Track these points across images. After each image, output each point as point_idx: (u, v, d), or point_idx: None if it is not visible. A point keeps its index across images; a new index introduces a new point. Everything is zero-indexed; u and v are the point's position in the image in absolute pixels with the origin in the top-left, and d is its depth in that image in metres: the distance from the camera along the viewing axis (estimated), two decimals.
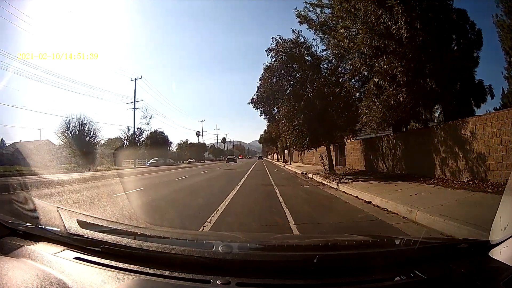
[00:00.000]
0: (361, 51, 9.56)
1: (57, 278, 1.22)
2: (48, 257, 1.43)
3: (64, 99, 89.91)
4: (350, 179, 10.42)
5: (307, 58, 12.30)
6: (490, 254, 1.36)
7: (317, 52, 12.74)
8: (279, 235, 3.24)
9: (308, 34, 14.49)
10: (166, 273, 1.28)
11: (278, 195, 8.05)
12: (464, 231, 3.59)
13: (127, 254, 1.41)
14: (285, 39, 12.28)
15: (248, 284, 1.23)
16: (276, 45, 12.37)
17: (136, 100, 36.95)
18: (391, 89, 8.51)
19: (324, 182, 11.00)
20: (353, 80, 9.76)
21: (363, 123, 9.41)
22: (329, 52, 12.67)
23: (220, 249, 1.40)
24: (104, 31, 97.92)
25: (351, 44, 9.90)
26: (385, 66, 8.73)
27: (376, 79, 9.02)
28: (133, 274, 1.28)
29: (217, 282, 1.20)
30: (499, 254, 1.32)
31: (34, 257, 1.42)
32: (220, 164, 39.80)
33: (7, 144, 37.31)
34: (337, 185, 9.40)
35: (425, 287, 1.22)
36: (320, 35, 12.11)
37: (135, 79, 37.12)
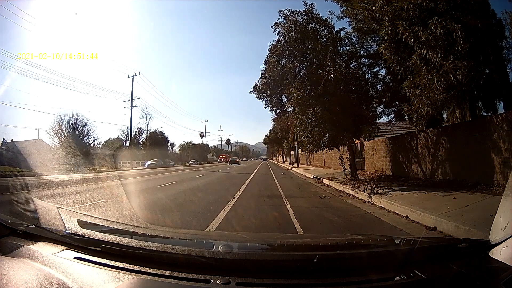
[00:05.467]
0: (400, 15, 7.08)
1: (57, 278, 1.23)
2: (48, 257, 1.43)
3: (64, 99, 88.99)
4: (382, 186, 7.94)
5: (324, 32, 9.78)
6: (490, 254, 1.36)
7: (334, 30, 10.29)
8: (279, 235, 3.26)
9: (321, 10, 12.00)
10: (166, 272, 1.28)
11: (292, 215, 5.48)
12: None
13: (127, 254, 1.40)
14: (296, 11, 9.80)
15: (248, 284, 1.22)
16: (285, 19, 9.89)
17: (134, 97, 34.95)
18: (449, 62, 6.01)
19: (348, 191, 8.49)
20: (388, 53, 7.19)
21: (411, 109, 6.80)
22: (350, 28, 10.21)
23: (220, 248, 1.39)
24: (105, 32, 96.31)
25: (385, 8, 7.41)
26: (437, 31, 6.28)
27: (424, 51, 6.55)
28: (133, 274, 1.28)
29: (217, 281, 1.20)
30: (499, 254, 1.32)
31: (34, 257, 1.42)
32: (221, 166, 37.41)
33: None
34: (370, 196, 6.90)
35: (425, 287, 1.22)
36: (339, 3, 9.60)
37: (133, 76, 34.88)
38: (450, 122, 10.72)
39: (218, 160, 66.06)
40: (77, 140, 31.81)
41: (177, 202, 7.49)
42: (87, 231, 1.60)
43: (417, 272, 1.22)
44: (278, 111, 13.12)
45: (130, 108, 34.60)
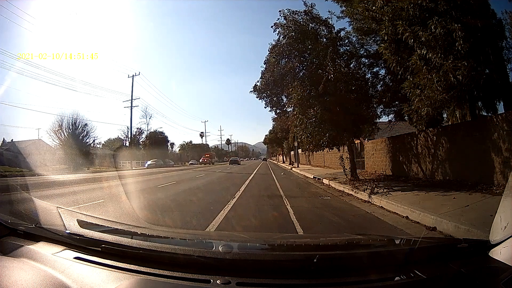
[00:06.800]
0: (400, 15, 7.08)
1: (57, 278, 1.23)
2: (48, 257, 1.43)
3: (64, 99, 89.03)
4: (382, 186, 7.94)
5: (324, 32, 9.79)
6: (490, 254, 1.36)
7: (334, 30, 10.29)
8: (279, 235, 3.24)
9: (321, 10, 12.00)
10: (166, 272, 1.28)
11: (292, 215, 5.48)
12: None
13: (127, 254, 1.40)
14: (296, 11, 9.80)
15: (248, 284, 1.22)
16: (285, 19, 9.89)
17: (134, 97, 34.96)
18: (449, 62, 6.01)
19: (348, 191, 8.49)
20: (388, 53, 7.20)
21: (411, 109, 6.80)
22: (350, 28, 10.22)
23: (220, 248, 1.39)
24: (105, 32, 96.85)
25: (385, 8, 7.41)
26: (437, 31, 6.28)
27: (424, 51, 6.55)
28: (133, 274, 1.28)
29: (217, 281, 1.19)
30: (499, 254, 1.32)
31: (34, 257, 1.42)
32: (221, 166, 37.38)
33: None
34: (370, 196, 6.90)
35: (425, 287, 1.22)
36: (339, 3, 9.62)
37: (133, 76, 35.02)
38: (450, 122, 10.71)
39: (201, 160, 53.13)
40: (77, 140, 31.73)
41: (177, 202, 7.49)
42: (87, 231, 1.60)
43: (417, 272, 1.22)
44: (278, 111, 13.12)
45: (130, 108, 34.70)
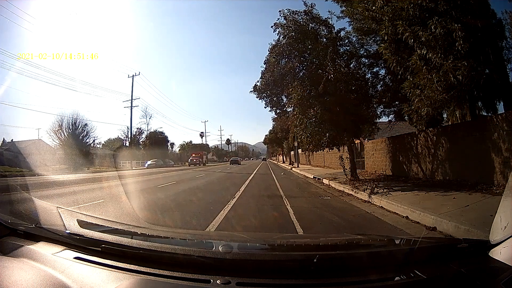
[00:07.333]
0: (400, 15, 7.08)
1: (57, 278, 1.23)
2: (48, 257, 1.43)
3: (64, 99, 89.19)
4: (382, 186, 7.94)
5: (324, 32, 9.80)
6: (490, 254, 1.35)
7: (334, 30, 10.30)
8: (279, 235, 3.27)
9: (321, 10, 12.01)
10: (166, 272, 1.28)
11: (292, 215, 5.47)
12: None
13: (127, 254, 1.40)
14: (296, 11, 9.81)
15: (248, 284, 1.22)
16: (285, 19, 9.90)
17: (134, 97, 34.94)
18: (449, 62, 6.02)
19: (348, 191, 8.49)
20: (388, 53, 7.21)
21: (411, 109, 6.80)
22: (350, 28, 10.22)
23: (220, 248, 1.39)
24: (106, 32, 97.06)
25: (385, 8, 7.40)
26: (437, 31, 6.28)
27: (424, 51, 6.55)
28: (133, 274, 1.28)
29: (217, 281, 1.19)
30: (499, 254, 1.32)
31: (34, 257, 1.42)
32: (221, 166, 37.36)
33: None
34: (370, 196, 6.89)
35: (425, 287, 1.21)
36: (339, 3, 9.63)
37: (133, 76, 34.97)
38: (450, 122, 10.72)
39: (189, 160, 45.27)
40: (77, 140, 31.72)
41: (177, 202, 7.48)
42: (87, 231, 1.60)
43: (417, 272, 1.22)
44: (278, 111, 13.13)
45: (130, 108, 34.65)
